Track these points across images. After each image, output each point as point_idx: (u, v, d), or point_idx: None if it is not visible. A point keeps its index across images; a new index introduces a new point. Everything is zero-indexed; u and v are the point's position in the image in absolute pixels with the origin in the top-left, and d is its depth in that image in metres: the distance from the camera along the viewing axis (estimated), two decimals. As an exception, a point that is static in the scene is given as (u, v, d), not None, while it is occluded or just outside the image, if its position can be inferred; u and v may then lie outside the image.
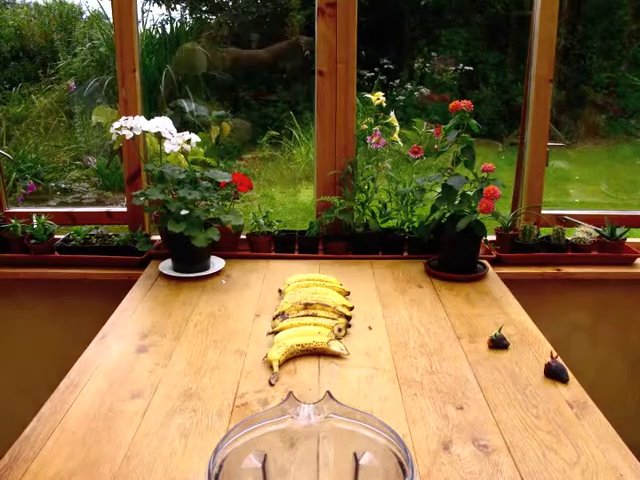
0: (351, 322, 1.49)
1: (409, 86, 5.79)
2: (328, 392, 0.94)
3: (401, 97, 5.67)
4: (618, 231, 2.01)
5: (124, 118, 1.79)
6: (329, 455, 0.89)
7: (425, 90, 5.72)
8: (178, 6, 6.20)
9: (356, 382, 1.23)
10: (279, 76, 5.88)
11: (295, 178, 5.08)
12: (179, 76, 5.40)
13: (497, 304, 1.61)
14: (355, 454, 0.83)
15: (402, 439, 0.83)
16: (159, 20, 5.81)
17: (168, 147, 1.77)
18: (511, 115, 5.73)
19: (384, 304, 1.60)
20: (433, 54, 5.92)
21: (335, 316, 1.46)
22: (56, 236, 2.06)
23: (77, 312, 2.04)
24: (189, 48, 5.45)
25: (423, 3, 6.02)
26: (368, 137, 1.94)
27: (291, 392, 0.95)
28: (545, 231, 2.08)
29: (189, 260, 1.79)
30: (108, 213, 2.16)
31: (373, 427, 0.86)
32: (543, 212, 2.12)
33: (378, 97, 1.97)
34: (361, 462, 0.81)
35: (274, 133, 5.45)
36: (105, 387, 1.20)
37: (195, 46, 5.49)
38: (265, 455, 0.82)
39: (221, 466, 0.80)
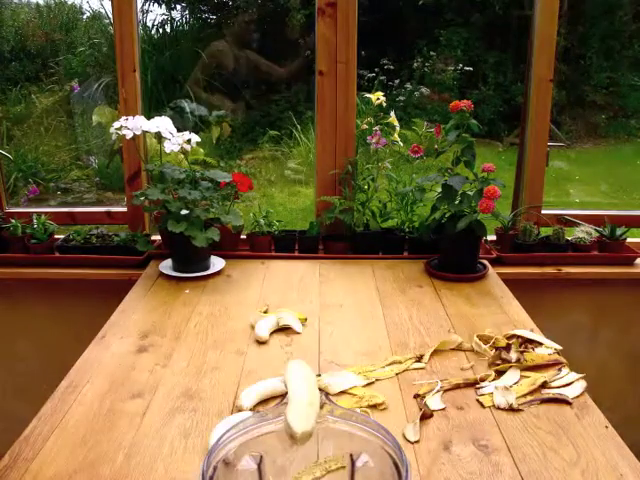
0: (352, 322, 1.50)
1: (409, 86, 5.78)
2: (326, 393, 0.94)
3: (401, 97, 5.67)
4: (618, 231, 2.01)
5: (124, 118, 1.79)
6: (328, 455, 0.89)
7: (425, 90, 5.72)
8: (178, 6, 6.20)
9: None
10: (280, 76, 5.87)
11: (295, 178, 5.08)
12: (180, 75, 5.40)
13: (497, 304, 1.61)
14: (351, 455, 0.82)
15: (397, 440, 0.82)
16: (159, 20, 5.82)
17: (168, 147, 1.77)
18: (511, 115, 5.72)
19: (384, 304, 1.60)
20: (433, 54, 5.92)
21: None
22: (56, 236, 2.06)
23: (77, 312, 2.04)
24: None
25: (423, 3, 6.01)
26: (368, 137, 1.93)
27: (291, 392, 0.95)
28: (545, 231, 2.08)
29: (189, 260, 1.79)
30: (108, 213, 2.16)
31: (369, 428, 0.86)
32: (543, 212, 2.12)
33: (378, 97, 1.97)
34: (357, 463, 0.81)
35: (275, 133, 5.44)
36: (105, 387, 1.20)
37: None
38: (261, 456, 0.82)
39: (215, 468, 0.80)
